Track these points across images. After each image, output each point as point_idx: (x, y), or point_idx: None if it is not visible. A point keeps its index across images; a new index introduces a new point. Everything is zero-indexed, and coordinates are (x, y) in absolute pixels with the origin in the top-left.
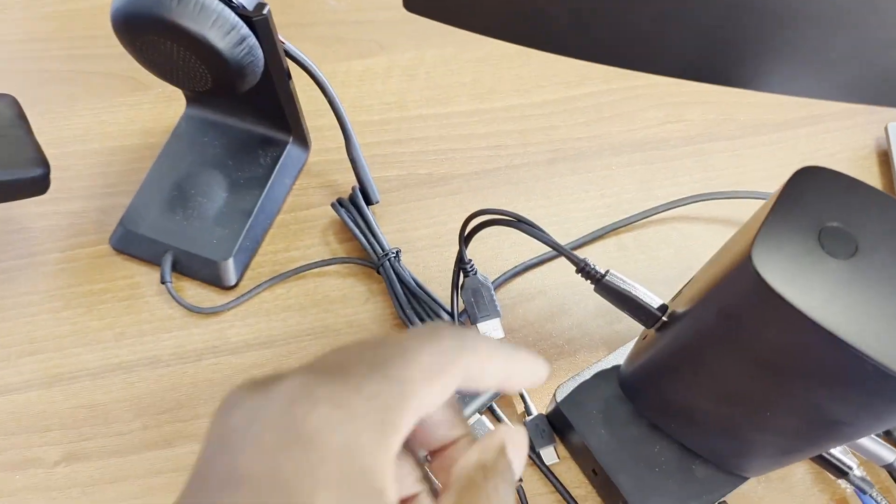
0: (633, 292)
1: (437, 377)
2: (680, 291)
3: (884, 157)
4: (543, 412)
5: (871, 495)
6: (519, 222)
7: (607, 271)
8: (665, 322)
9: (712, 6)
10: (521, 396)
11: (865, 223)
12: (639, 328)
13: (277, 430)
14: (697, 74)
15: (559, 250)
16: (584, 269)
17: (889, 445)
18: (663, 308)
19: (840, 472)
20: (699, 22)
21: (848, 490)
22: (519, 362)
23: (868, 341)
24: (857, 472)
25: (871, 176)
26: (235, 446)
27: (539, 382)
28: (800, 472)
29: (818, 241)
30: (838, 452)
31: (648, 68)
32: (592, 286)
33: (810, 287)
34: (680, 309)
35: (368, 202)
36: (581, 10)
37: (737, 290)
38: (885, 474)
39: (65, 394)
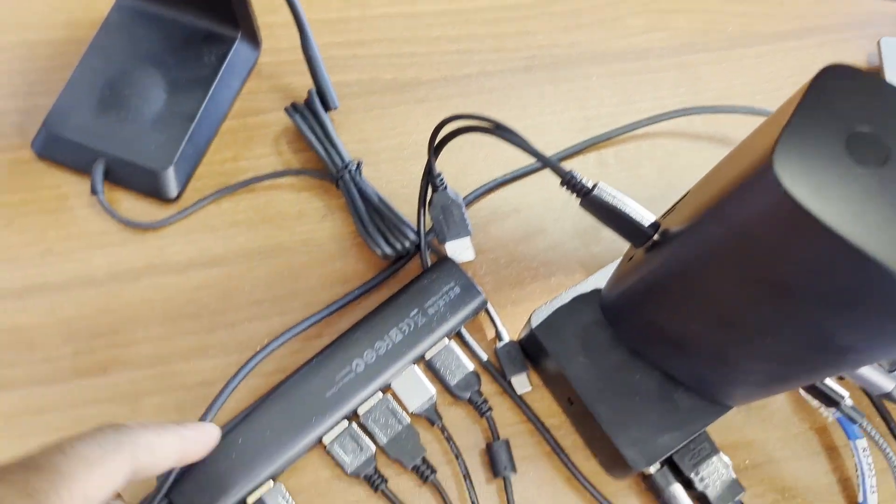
0: (624, 208)
1: (97, 466)
2: (672, 208)
3: (875, 73)
4: (515, 339)
5: (861, 425)
6: (498, 129)
7: (595, 184)
8: (656, 241)
9: None
10: (493, 322)
11: None
12: (619, 250)
13: None
14: None
15: (543, 160)
16: (569, 182)
17: (886, 373)
18: (655, 226)
19: (831, 401)
20: None
21: (829, 419)
22: (189, 434)
23: None
24: (849, 401)
25: None
26: None
27: (213, 445)
28: (780, 399)
29: (846, 147)
30: (830, 381)
31: None
32: (578, 200)
33: (837, 198)
34: (675, 227)
35: (326, 108)
36: None
37: (751, 202)
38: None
39: None
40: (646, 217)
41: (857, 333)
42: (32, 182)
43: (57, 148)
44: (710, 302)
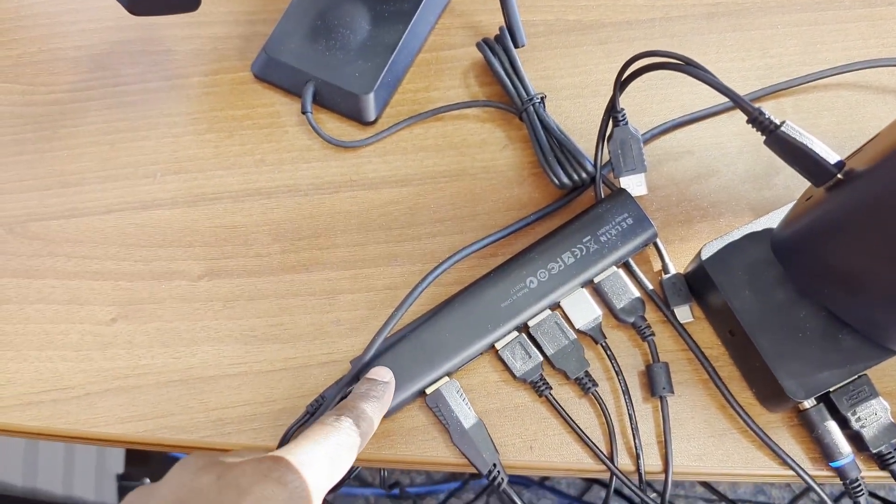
0: (810, 146)
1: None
2: (859, 150)
3: None
4: (681, 271)
5: None
6: (689, 66)
7: (783, 122)
8: (840, 180)
9: None
10: (660, 254)
11: None
12: (791, 195)
13: None
14: None
15: (732, 96)
16: (756, 119)
17: None
18: (840, 164)
19: None
20: None
21: None
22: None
23: None
24: None
25: None
26: None
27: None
28: None
29: None
30: None
31: None
32: (763, 138)
33: None
34: (863, 165)
35: (515, 45)
36: None
37: None
38: None
39: (207, 213)
40: (831, 156)
41: None
42: (250, 100)
43: (273, 70)
44: (894, 240)
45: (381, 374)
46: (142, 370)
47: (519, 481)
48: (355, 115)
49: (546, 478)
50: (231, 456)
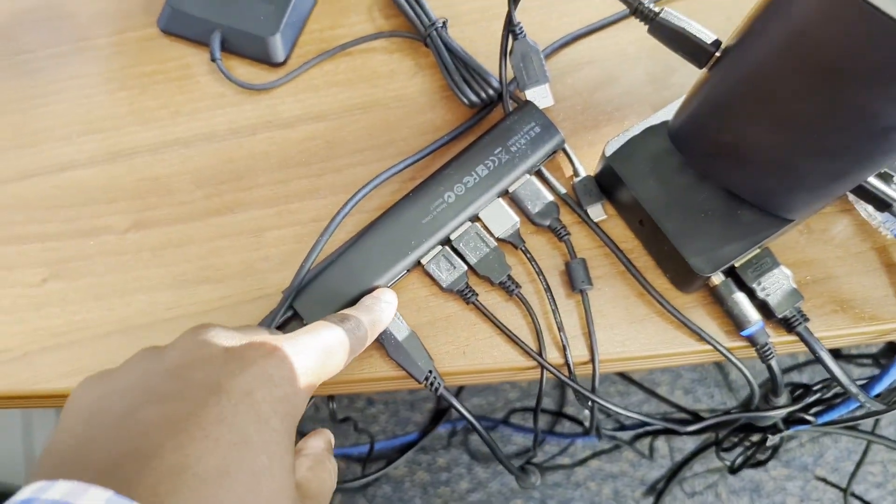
0: (687, 28)
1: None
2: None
3: None
4: (591, 174)
5: None
6: None
7: (662, 9)
8: (718, 58)
9: None
10: (570, 159)
11: None
12: (686, 90)
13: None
14: None
15: None
16: (637, 10)
17: None
18: (717, 43)
19: (883, 204)
20: None
21: (888, 237)
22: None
23: None
24: None
25: None
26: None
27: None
28: (842, 223)
29: None
30: (881, 185)
31: None
32: (646, 27)
33: None
34: (732, 41)
35: None
36: None
37: None
38: None
39: (127, 168)
40: (708, 36)
41: None
42: (160, 55)
43: (179, 23)
44: (767, 103)
45: (385, 295)
46: (78, 325)
47: (486, 425)
48: (264, 58)
49: (510, 413)
50: (241, 329)
